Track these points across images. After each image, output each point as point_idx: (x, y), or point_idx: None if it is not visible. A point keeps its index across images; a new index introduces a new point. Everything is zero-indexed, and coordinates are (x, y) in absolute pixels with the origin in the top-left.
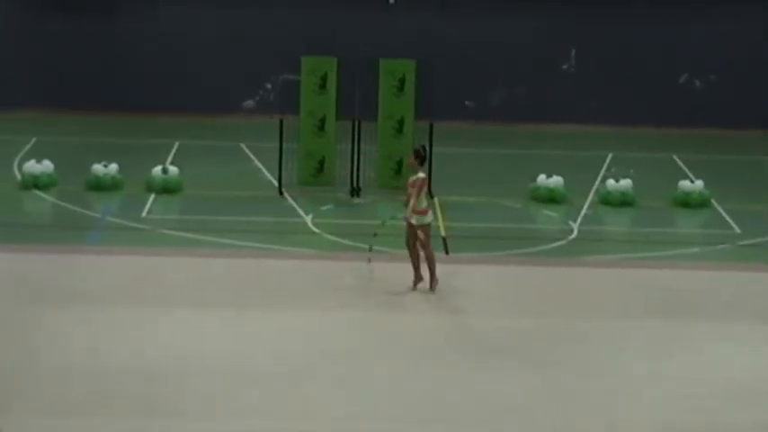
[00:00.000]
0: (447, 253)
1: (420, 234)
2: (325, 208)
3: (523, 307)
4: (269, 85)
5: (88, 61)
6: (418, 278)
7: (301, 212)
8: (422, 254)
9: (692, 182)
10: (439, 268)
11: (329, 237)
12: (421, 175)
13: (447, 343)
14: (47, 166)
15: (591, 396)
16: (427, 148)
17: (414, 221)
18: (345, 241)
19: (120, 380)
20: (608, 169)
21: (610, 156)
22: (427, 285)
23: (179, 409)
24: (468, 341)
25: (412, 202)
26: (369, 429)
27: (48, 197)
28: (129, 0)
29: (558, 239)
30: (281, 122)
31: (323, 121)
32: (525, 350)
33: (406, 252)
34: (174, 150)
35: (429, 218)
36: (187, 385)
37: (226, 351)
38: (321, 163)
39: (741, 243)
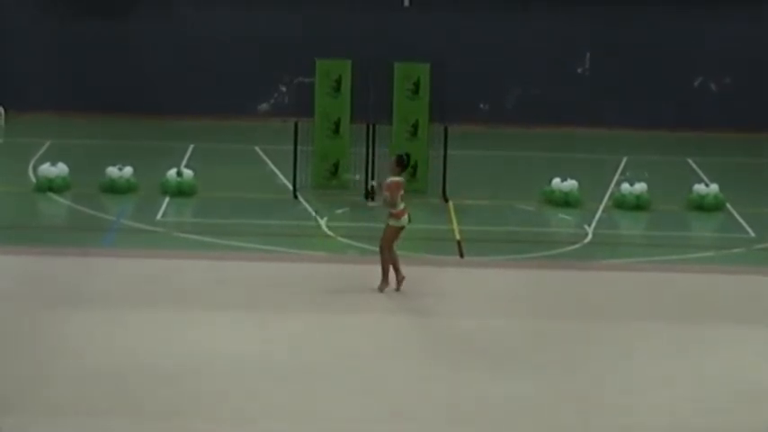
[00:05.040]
0: (462, 256)
1: (388, 235)
2: (339, 211)
3: (538, 310)
4: (283, 88)
5: (103, 64)
6: (400, 278)
7: (315, 215)
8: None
9: (706, 185)
10: (454, 271)
11: (343, 240)
12: (396, 178)
13: (461, 345)
14: (62, 168)
15: (606, 398)
16: (411, 156)
17: (390, 223)
18: (360, 244)
19: (134, 381)
20: (623, 173)
21: (624, 159)
22: (393, 286)
23: (192, 411)
24: (483, 343)
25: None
26: (382, 430)
27: (62, 200)
28: (145, 3)
29: (573, 243)
30: (296, 125)
31: (337, 123)
32: (540, 352)
33: (416, 256)
34: (188, 153)
35: (403, 222)
36: (200, 387)
37: (239, 353)
38: (335, 166)
39: (756, 247)
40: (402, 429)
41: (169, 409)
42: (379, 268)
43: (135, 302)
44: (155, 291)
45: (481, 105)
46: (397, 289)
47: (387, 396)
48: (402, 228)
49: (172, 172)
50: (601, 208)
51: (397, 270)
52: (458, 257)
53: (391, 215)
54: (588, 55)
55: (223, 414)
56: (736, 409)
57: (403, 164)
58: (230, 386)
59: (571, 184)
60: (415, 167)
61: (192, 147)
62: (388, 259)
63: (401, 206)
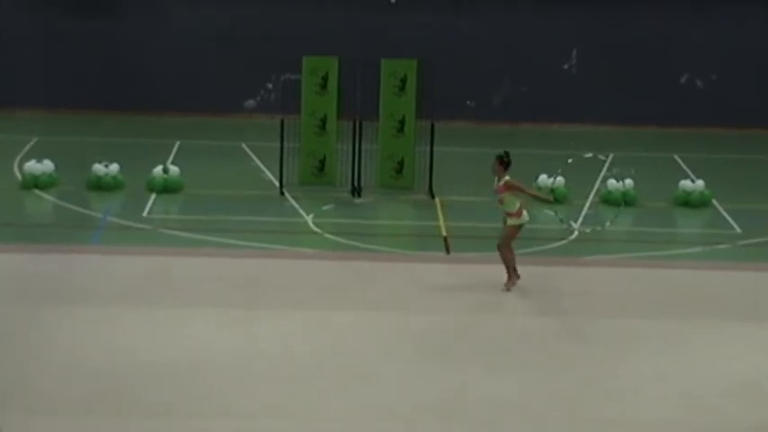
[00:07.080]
0: (448, 253)
1: (509, 233)
2: (326, 208)
3: (525, 307)
4: (270, 85)
5: (89, 61)
6: (515, 277)
7: (302, 212)
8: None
9: (693, 181)
10: (440, 267)
11: (330, 236)
12: (506, 178)
13: (451, 342)
14: (47, 165)
15: (596, 395)
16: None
17: (509, 222)
18: (346, 241)
19: (123, 379)
20: (609, 169)
21: (611, 155)
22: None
23: (183, 409)
24: (472, 341)
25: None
26: (377, 429)
27: (48, 197)
28: (133, 1)
29: (560, 239)
30: (282, 122)
31: (324, 120)
32: (529, 350)
33: (402, 252)
34: (175, 150)
35: (524, 219)
36: (189, 385)
37: (228, 350)
38: (322, 162)
39: (742, 243)
40: (391, 428)
41: (163, 407)
42: (380, 266)
43: (122, 300)
44: (141, 288)
45: (468, 102)
46: (508, 289)
47: (376, 394)
48: (522, 225)
49: (158, 169)
50: (587, 204)
51: (513, 269)
52: (444, 254)
53: (511, 215)
54: (575, 52)
55: (217, 411)
56: (725, 405)
57: (505, 163)
58: (223, 384)
59: (558, 180)
60: (401, 164)
61: (178, 143)
62: (510, 257)
63: (518, 204)
